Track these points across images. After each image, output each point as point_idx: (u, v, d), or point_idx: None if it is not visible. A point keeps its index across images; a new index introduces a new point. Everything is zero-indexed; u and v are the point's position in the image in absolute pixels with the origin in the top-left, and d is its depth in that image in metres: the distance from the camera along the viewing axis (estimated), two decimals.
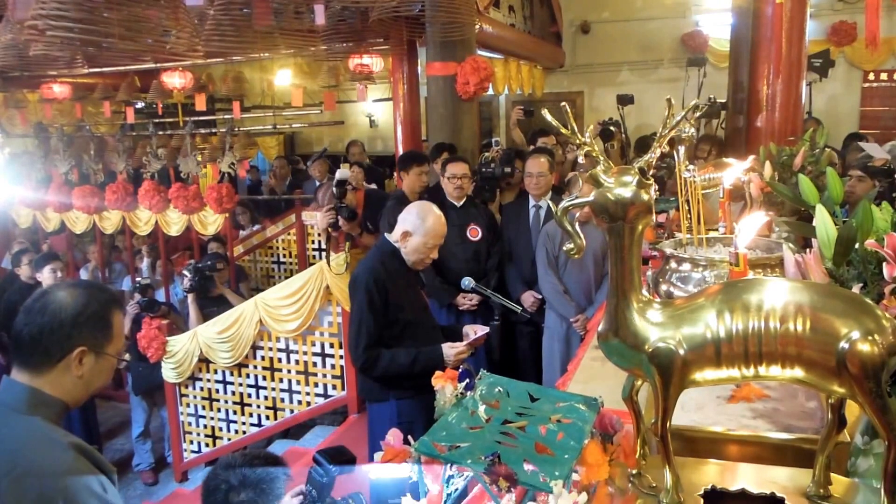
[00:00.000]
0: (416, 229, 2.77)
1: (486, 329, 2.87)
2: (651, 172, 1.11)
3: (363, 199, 4.89)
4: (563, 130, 1.16)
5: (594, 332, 2.66)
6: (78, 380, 1.45)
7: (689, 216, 1.89)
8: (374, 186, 6.41)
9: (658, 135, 1.14)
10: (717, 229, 2.17)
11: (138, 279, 5.77)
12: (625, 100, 7.96)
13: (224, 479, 1.89)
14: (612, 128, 6.59)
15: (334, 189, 4.18)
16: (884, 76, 8.64)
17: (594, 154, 1.14)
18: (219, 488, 1.89)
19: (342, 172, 4.24)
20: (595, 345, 2.40)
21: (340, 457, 1.70)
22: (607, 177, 1.10)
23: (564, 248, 1.15)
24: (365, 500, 1.73)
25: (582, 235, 1.13)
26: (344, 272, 4.21)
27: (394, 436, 1.20)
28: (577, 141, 1.15)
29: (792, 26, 4.32)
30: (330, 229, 4.18)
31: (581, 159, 1.24)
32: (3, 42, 5.19)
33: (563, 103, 1.19)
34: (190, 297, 4.95)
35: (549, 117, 1.25)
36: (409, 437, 1.21)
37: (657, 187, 1.13)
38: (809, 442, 1.28)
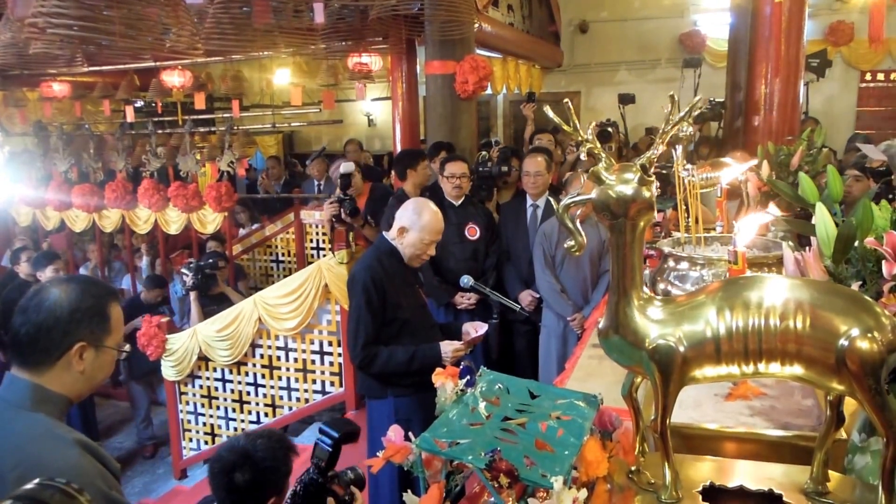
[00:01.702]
0: (412, 225, 2.77)
1: (486, 327, 2.88)
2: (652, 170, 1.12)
3: (367, 192, 4.90)
4: (566, 128, 1.17)
5: (591, 331, 2.67)
6: (80, 375, 1.45)
7: (686, 215, 1.90)
8: None
9: (661, 132, 1.14)
10: (714, 228, 2.17)
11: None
12: (626, 99, 7.96)
13: (227, 459, 1.88)
14: (609, 129, 6.59)
15: (339, 182, 4.17)
16: (880, 76, 8.67)
17: (596, 152, 1.15)
18: (222, 470, 1.87)
19: (347, 166, 4.23)
20: (592, 343, 2.41)
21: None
22: (609, 174, 1.11)
23: (566, 246, 1.16)
24: (362, 472, 1.72)
25: (583, 233, 1.14)
26: (346, 263, 4.22)
27: (395, 432, 1.20)
28: (580, 138, 1.16)
29: (790, 26, 4.32)
30: (333, 220, 4.15)
31: (583, 156, 1.22)
32: (3, 40, 5.18)
33: (565, 100, 1.20)
34: (192, 295, 4.96)
35: (550, 114, 1.25)
36: (408, 433, 1.21)
37: (658, 184, 1.13)
38: (806, 439, 1.29)
